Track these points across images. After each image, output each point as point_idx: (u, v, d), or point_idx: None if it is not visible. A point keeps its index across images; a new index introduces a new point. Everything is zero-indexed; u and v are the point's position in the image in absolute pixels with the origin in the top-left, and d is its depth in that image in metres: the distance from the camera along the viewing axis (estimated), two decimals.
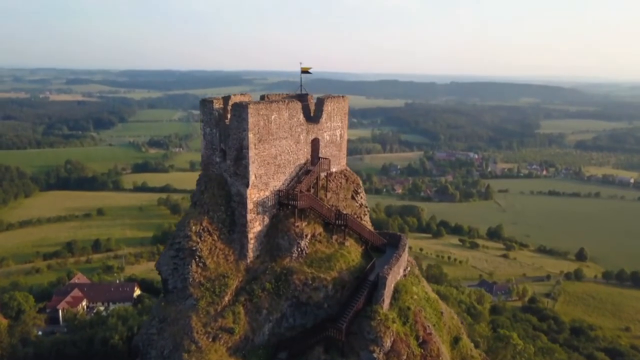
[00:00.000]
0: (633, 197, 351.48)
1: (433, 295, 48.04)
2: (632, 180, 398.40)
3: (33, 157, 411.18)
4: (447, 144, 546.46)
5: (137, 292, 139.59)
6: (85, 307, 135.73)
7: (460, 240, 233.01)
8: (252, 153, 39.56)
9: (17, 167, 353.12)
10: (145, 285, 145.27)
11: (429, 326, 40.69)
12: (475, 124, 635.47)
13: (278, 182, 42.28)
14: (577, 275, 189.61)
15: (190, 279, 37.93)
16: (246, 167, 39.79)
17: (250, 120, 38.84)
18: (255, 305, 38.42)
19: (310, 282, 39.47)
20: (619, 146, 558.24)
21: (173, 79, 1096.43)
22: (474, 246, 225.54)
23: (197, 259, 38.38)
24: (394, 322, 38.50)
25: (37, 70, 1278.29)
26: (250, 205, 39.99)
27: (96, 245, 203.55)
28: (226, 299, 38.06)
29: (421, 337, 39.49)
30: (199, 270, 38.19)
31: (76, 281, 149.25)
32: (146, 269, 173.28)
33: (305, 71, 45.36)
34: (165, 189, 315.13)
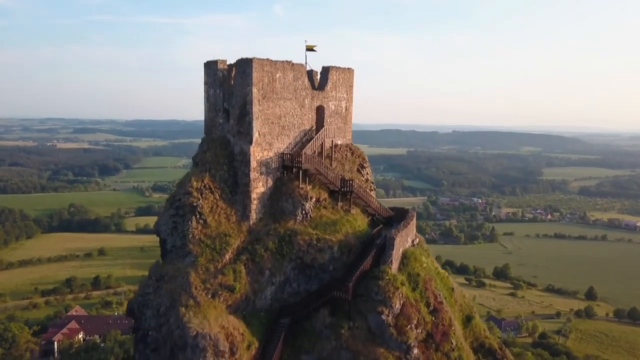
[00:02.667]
0: None
1: (443, 271, 46.24)
2: (638, 224, 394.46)
3: (37, 201, 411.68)
4: (450, 190, 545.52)
5: None
6: (82, 339, 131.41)
7: (466, 279, 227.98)
8: (255, 109, 39.28)
9: (21, 210, 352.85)
10: None
11: (440, 295, 38.88)
12: (478, 171, 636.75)
13: (282, 144, 41.77)
14: (588, 313, 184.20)
15: (190, 236, 36.68)
16: (250, 123, 39.39)
17: (255, 75, 38.78)
18: (257, 265, 36.99)
19: (315, 242, 38.19)
20: (622, 192, 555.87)
21: (178, 128, 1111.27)
22: (480, 285, 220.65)
23: (198, 216, 37.33)
24: (403, 284, 36.84)
25: (45, 120, 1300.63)
26: (253, 164, 39.31)
27: (96, 283, 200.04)
28: (227, 256, 36.66)
29: (432, 305, 37.59)
30: (199, 227, 37.03)
31: (74, 313, 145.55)
32: None
33: (309, 49, 45.65)
34: None
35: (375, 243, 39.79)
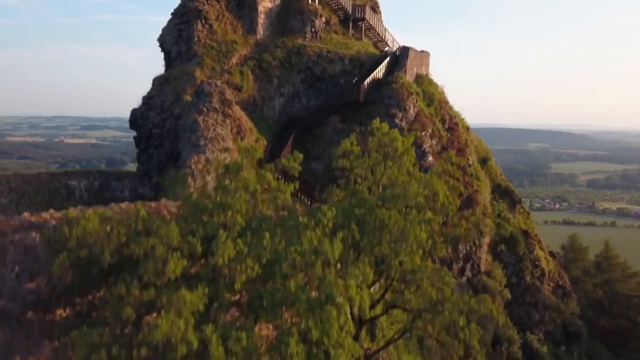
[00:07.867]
0: None
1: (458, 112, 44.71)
2: None
3: None
4: None
5: None
6: None
7: None
8: None
9: None
10: None
11: (455, 117, 37.37)
12: None
13: None
14: None
15: (195, 39, 35.60)
16: None
17: None
18: (265, 72, 35.98)
19: (326, 54, 37.23)
20: (631, 185, 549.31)
21: None
22: None
23: (203, 20, 36.28)
24: (417, 94, 35.46)
25: (53, 117, 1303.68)
26: None
27: None
28: (234, 60, 35.57)
29: (447, 124, 36.11)
30: (205, 31, 35.99)
31: None
32: None
33: None
34: None
35: (388, 55, 38.73)
